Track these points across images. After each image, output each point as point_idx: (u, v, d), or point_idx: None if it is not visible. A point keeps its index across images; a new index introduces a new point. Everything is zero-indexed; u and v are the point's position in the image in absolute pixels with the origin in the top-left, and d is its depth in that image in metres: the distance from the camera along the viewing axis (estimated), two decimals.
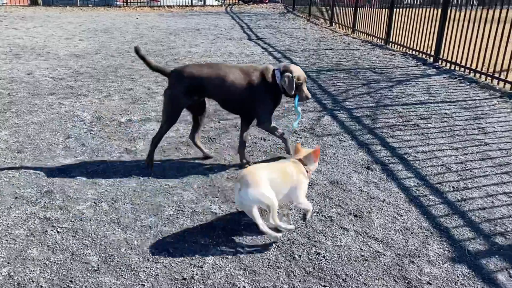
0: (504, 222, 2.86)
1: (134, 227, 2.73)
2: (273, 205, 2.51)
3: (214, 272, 2.34)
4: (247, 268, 2.38)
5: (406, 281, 2.30)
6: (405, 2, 9.83)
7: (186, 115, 4.82)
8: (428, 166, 3.67)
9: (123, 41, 10.12)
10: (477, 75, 6.78)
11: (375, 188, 3.29)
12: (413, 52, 8.71)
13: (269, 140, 4.16)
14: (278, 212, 2.62)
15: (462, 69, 7.16)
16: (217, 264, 2.41)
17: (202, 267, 2.38)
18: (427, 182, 3.39)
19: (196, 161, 3.69)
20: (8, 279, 2.26)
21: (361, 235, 2.71)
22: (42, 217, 2.82)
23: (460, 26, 7.08)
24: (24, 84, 6.04)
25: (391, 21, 9.74)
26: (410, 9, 9.03)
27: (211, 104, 5.22)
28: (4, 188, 3.17)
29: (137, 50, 3.45)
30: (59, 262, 2.40)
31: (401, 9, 9.33)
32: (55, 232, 2.66)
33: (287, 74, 3.35)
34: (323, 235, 2.70)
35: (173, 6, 20.78)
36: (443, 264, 2.45)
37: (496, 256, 2.53)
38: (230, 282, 2.27)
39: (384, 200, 3.12)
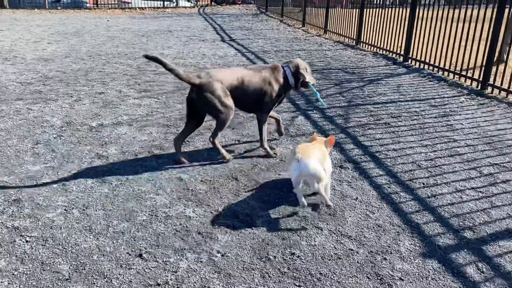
0: (472, 217, 2.94)
1: (106, 234, 2.69)
2: (325, 177, 2.83)
3: (189, 277, 2.33)
4: (222, 272, 2.37)
5: (379, 278, 2.34)
6: (375, 2, 10.01)
7: (159, 117, 4.79)
8: (399, 163, 3.74)
9: (94, 44, 9.95)
10: (446, 73, 6.96)
11: (348, 186, 3.33)
12: (384, 52, 8.87)
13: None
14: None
15: (431, 67, 7.34)
16: (191, 268, 2.40)
17: (177, 271, 2.36)
18: (398, 179, 3.46)
19: (169, 164, 3.65)
20: None
21: (334, 233, 2.74)
22: (10, 226, 2.74)
23: (429, 26, 7.26)
24: None
25: (361, 21, 9.90)
26: (380, 9, 9.19)
27: (184, 106, 5.19)
28: None
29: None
30: (28, 273, 2.33)
31: (371, 10, 9.49)
32: (24, 242, 2.59)
33: (302, 73, 3.73)
34: (298, 235, 2.72)
35: (145, 8, 20.56)
36: (414, 260, 2.50)
37: (465, 250, 2.60)
38: (205, 286, 2.26)
39: (357, 198, 3.17)
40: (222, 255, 2.51)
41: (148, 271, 2.36)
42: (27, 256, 2.47)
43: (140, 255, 2.49)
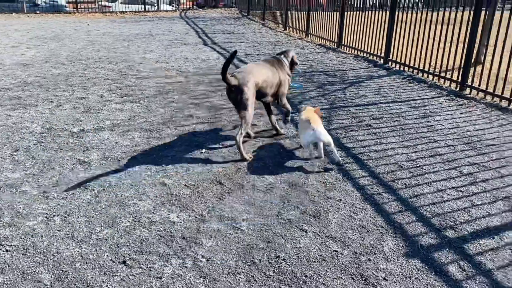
0: (453, 216, 2.99)
1: (89, 241, 2.65)
2: (331, 140, 3.72)
3: (174, 282, 2.31)
4: (207, 277, 2.36)
5: (364, 279, 2.36)
6: (355, 5, 10.12)
7: (141, 122, 4.74)
8: (381, 164, 3.78)
9: (74, 48, 9.83)
10: (425, 75, 7.08)
11: (331, 188, 3.36)
12: (365, 55, 8.98)
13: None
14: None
15: (410, 69, 7.45)
16: (176, 274, 2.38)
17: (161, 277, 2.35)
18: (381, 180, 3.50)
19: (153, 169, 3.63)
20: None
21: (319, 235, 2.75)
22: None
23: (408, 28, 7.37)
24: None
25: (342, 24, 10.00)
26: (360, 12, 9.30)
27: (167, 110, 5.17)
28: None
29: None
30: (9, 283, 2.28)
31: (351, 13, 9.60)
32: (3, 251, 2.53)
33: (295, 61, 4.53)
34: (283, 237, 2.72)
35: (126, 12, 20.39)
36: (398, 260, 2.53)
37: (447, 248, 2.64)
38: None
39: (341, 199, 3.19)
40: (207, 260, 2.50)
41: (132, 278, 2.34)
42: (7, 265, 2.42)
43: (124, 262, 2.46)
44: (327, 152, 3.87)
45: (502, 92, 5.58)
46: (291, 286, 2.30)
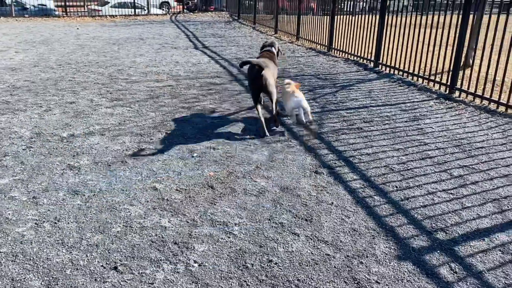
0: (444, 218, 3.01)
1: (79, 247, 2.62)
2: (309, 108, 4.75)
3: None
4: (199, 282, 2.35)
5: (356, 282, 2.37)
6: (345, 9, 10.19)
7: (132, 126, 4.72)
8: (372, 167, 3.80)
9: (64, 52, 9.76)
10: (415, 78, 7.14)
11: (323, 191, 3.36)
12: (355, 58, 9.03)
13: (218, 149, 4.15)
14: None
15: (400, 73, 7.51)
16: (168, 279, 2.36)
17: (153, 283, 2.33)
18: (372, 183, 3.51)
19: (143, 174, 3.60)
20: None
21: (311, 239, 2.75)
22: None
23: (397, 32, 7.43)
24: None
25: (333, 28, 10.05)
26: (350, 16, 9.36)
27: (157, 114, 5.14)
28: None
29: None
30: None
31: (341, 17, 9.65)
32: None
33: (280, 50, 5.51)
34: (275, 241, 2.72)
35: (116, 15, 20.31)
36: (390, 263, 2.53)
37: (438, 251, 2.65)
38: None
39: (332, 203, 3.20)
40: (199, 265, 2.48)
41: (123, 284, 2.32)
42: None
43: (115, 268, 2.44)
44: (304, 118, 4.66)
45: (491, 95, 5.65)
46: None
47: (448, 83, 6.35)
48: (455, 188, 3.44)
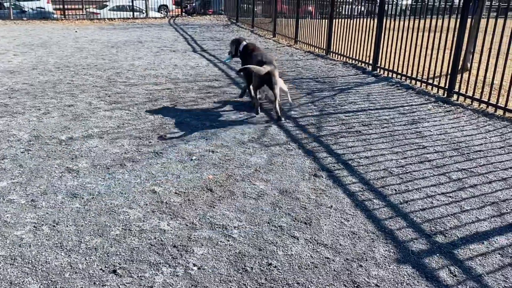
0: (443, 221, 3.01)
1: (78, 250, 2.61)
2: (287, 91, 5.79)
3: None
4: (198, 285, 2.34)
5: (356, 285, 2.36)
6: (344, 13, 10.22)
7: (131, 129, 4.71)
8: (371, 170, 3.80)
9: (62, 55, 9.75)
10: (413, 81, 7.16)
11: (322, 195, 3.36)
12: (353, 62, 9.05)
13: (217, 152, 4.15)
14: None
15: (399, 76, 7.53)
16: (167, 283, 2.36)
17: (152, 286, 2.32)
18: (371, 186, 3.52)
19: (142, 177, 3.60)
20: None
21: (311, 242, 2.75)
22: None
23: (396, 36, 7.46)
24: None
25: (331, 32, 10.08)
26: (349, 20, 9.39)
27: (156, 118, 5.14)
28: None
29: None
30: None
31: (340, 20, 9.69)
32: None
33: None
34: (274, 245, 2.72)
35: (114, 18, 20.32)
36: (389, 266, 2.53)
37: (438, 254, 2.65)
38: None
39: (331, 206, 3.20)
40: (199, 268, 2.48)
41: (122, 287, 2.31)
42: None
43: (114, 271, 2.43)
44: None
45: (489, 99, 5.67)
46: None
47: (446, 87, 6.37)
48: (454, 191, 3.45)
